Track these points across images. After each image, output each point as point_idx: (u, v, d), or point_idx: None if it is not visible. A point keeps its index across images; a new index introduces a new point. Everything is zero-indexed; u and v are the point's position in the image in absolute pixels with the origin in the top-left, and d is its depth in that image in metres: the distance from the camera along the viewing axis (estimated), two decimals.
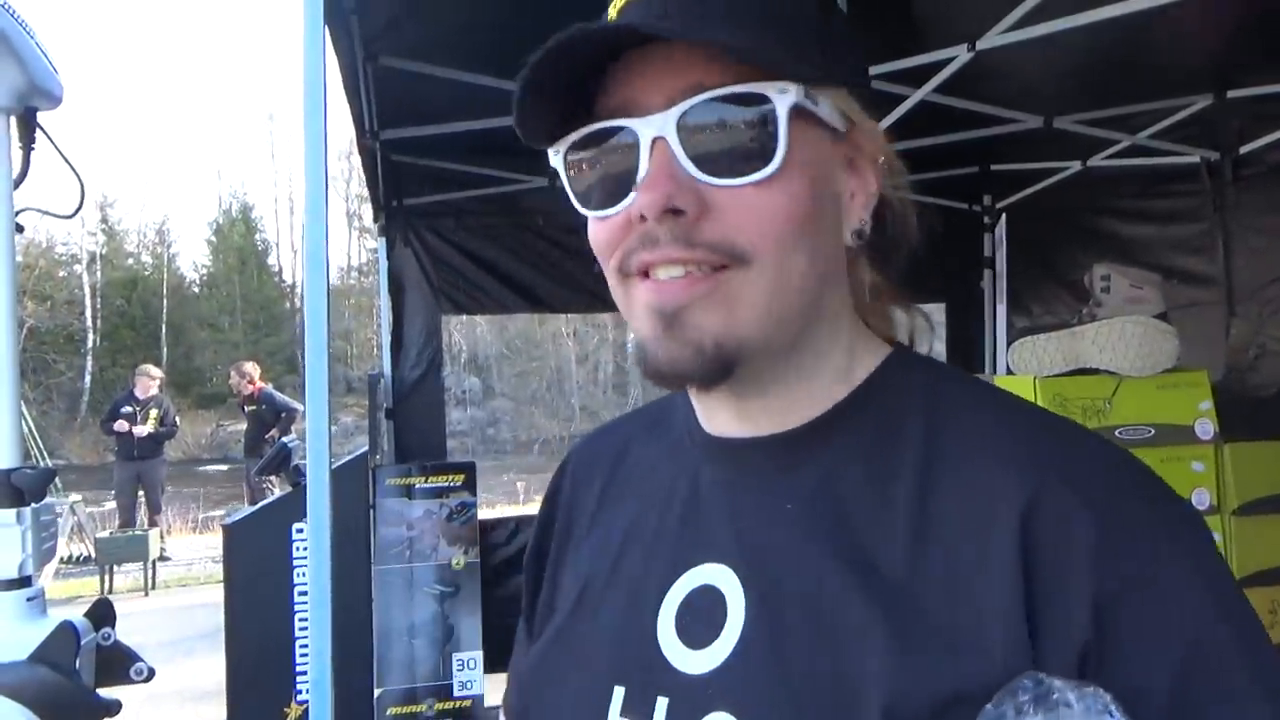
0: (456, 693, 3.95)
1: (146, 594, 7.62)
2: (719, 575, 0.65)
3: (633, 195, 0.60)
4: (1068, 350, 1.82)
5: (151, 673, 1.38)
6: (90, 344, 26.85)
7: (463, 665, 3.98)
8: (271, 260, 34.66)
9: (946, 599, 0.57)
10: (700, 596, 0.65)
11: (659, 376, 0.63)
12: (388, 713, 3.88)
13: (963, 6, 2.49)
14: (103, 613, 1.37)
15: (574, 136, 0.63)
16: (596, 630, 0.70)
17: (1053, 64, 2.84)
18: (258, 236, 34.38)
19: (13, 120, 1.39)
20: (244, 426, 9.07)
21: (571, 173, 0.65)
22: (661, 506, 0.71)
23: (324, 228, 1.67)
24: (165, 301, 29.61)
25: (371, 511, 4.01)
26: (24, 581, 1.28)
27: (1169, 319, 1.96)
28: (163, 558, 8.19)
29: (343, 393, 26.33)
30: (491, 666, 3.96)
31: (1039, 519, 0.56)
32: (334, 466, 4.25)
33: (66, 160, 1.36)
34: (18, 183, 1.43)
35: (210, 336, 29.99)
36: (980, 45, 2.43)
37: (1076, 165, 3.91)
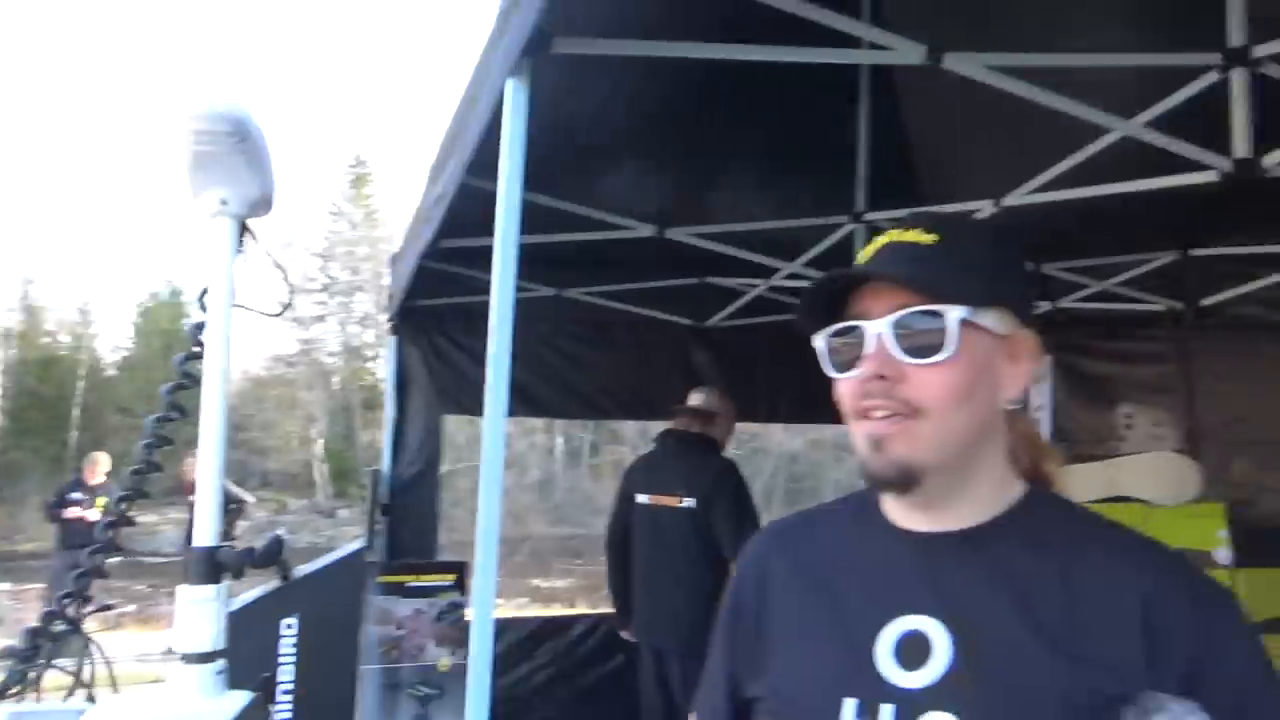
0: None
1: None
2: (923, 623, 0.95)
3: (861, 368, 0.96)
4: (1108, 478, 2.05)
5: None
6: None
7: None
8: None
9: (1094, 640, 0.89)
10: (910, 636, 0.95)
11: (873, 480, 0.98)
12: None
13: (993, 170, 2.81)
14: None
15: (832, 329, 1.00)
16: (821, 662, 0.99)
17: (1052, 218, 3.17)
18: (186, 321, 33.56)
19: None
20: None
21: (828, 350, 1.01)
22: (862, 574, 1.03)
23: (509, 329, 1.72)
24: (81, 383, 28.55)
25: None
26: (214, 655, 1.34)
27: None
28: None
29: (257, 485, 25.44)
30: None
31: (1154, 603, 0.90)
32: (330, 562, 4.16)
33: (276, 263, 1.47)
34: None
35: (122, 421, 28.85)
36: (1006, 202, 2.73)
37: (1045, 305, 4.27)
